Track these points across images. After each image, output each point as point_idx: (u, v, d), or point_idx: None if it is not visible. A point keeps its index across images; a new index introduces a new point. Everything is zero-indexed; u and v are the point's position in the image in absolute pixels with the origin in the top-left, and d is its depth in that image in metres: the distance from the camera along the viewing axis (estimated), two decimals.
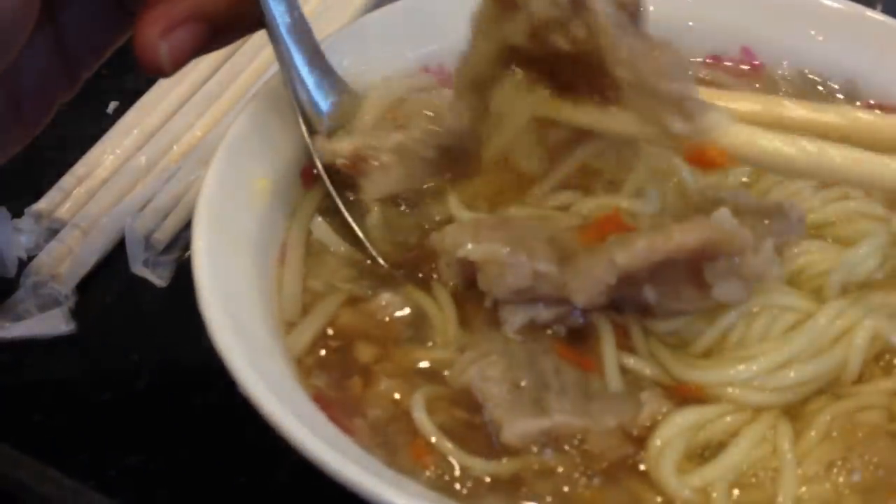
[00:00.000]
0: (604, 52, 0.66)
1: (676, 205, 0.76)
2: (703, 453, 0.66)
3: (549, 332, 0.69)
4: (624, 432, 0.65)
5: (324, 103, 0.77)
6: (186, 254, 0.89)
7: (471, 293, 0.70)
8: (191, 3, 0.67)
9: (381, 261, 0.74)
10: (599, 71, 0.67)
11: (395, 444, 0.64)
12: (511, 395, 0.65)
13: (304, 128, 0.76)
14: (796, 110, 0.70)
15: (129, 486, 0.76)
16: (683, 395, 0.67)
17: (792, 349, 0.68)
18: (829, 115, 0.69)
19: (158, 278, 0.89)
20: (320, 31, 0.78)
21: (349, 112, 0.80)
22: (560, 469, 0.64)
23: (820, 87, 0.89)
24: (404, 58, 0.86)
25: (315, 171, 0.77)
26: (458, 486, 0.63)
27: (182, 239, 0.92)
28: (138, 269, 0.90)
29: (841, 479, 0.64)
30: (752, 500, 0.64)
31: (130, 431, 0.79)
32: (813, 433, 0.66)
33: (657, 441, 0.65)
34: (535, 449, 0.64)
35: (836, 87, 0.89)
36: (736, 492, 0.63)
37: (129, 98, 1.04)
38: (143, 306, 0.89)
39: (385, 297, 0.72)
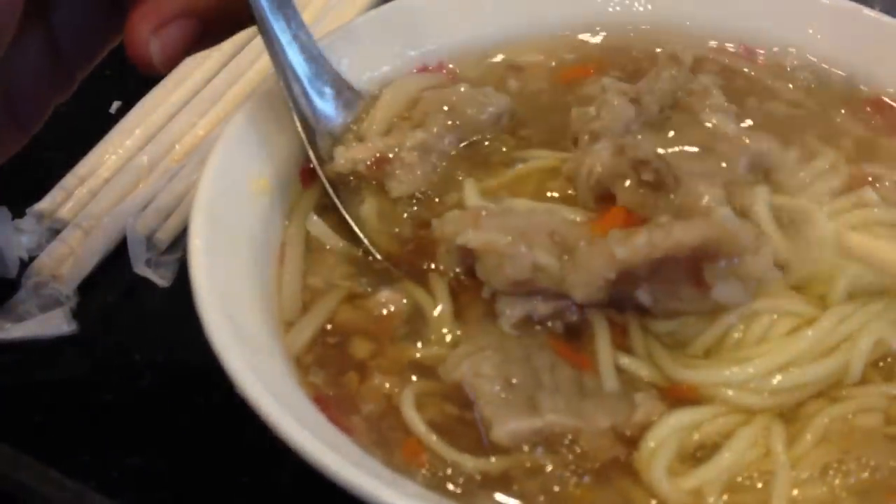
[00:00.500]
0: None
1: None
2: (697, 455, 0.65)
3: (547, 326, 0.69)
4: (616, 433, 0.65)
5: (321, 101, 0.77)
6: None
7: (469, 283, 0.70)
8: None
9: (377, 255, 0.74)
10: None
11: (390, 441, 0.64)
12: (503, 393, 0.65)
13: (298, 125, 0.75)
14: None
15: (130, 486, 0.76)
16: (678, 397, 0.67)
17: (791, 352, 0.68)
18: None
19: (160, 278, 0.89)
20: (325, 32, 0.78)
21: (356, 112, 0.80)
22: (551, 468, 0.63)
23: (818, 85, 0.89)
24: (403, 57, 0.86)
25: (311, 166, 0.77)
26: (451, 485, 0.63)
27: (184, 239, 0.90)
28: (140, 269, 0.89)
29: (837, 482, 0.64)
30: (745, 502, 0.63)
31: (132, 432, 0.79)
32: (808, 436, 0.65)
33: (650, 442, 0.64)
34: (525, 448, 0.64)
35: (835, 83, 0.89)
36: (727, 496, 0.63)
37: (131, 98, 1.04)
38: (145, 306, 0.89)
39: (384, 294, 0.71)
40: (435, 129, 0.79)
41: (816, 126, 0.85)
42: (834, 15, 0.89)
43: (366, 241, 0.75)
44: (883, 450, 0.65)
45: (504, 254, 0.67)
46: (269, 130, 0.76)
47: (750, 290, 0.67)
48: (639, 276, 0.66)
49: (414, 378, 0.67)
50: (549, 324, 0.69)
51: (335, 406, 0.65)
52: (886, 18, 0.88)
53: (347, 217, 0.75)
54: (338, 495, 0.56)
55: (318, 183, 0.77)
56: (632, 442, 0.65)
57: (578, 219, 0.73)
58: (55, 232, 0.92)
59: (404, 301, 0.71)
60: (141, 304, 0.89)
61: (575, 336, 0.69)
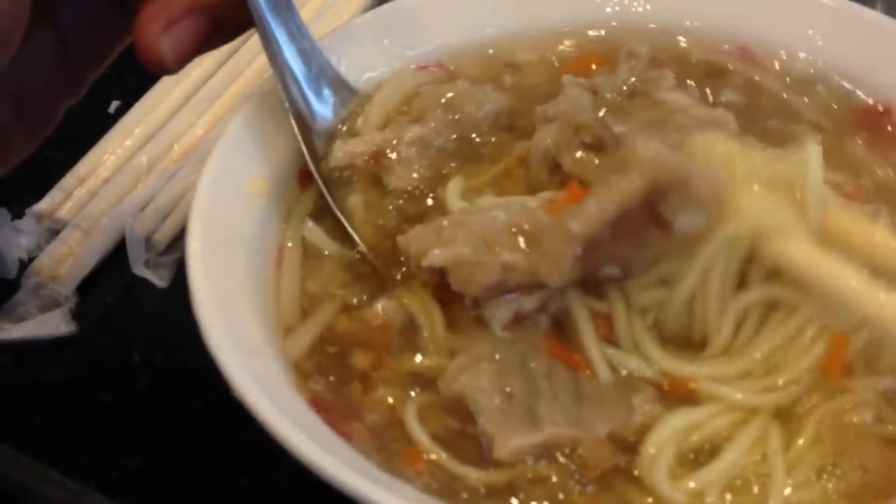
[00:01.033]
0: None
1: None
2: (696, 457, 0.65)
3: (537, 320, 0.69)
4: (615, 440, 0.65)
5: (318, 101, 0.77)
6: None
7: (453, 293, 0.70)
8: None
9: (364, 247, 0.74)
10: None
11: (391, 450, 0.64)
12: (503, 406, 0.65)
13: (295, 126, 0.75)
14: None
15: (130, 487, 0.76)
16: (675, 396, 0.67)
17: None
18: None
19: (159, 279, 0.89)
20: (323, 32, 0.78)
21: (353, 109, 0.80)
22: (554, 478, 0.63)
23: (819, 87, 0.88)
24: (403, 57, 0.85)
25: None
26: (452, 494, 0.63)
27: (182, 239, 0.91)
28: (139, 270, 0.90)
29: (830, 486, 0.64)
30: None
31: (132, 432, 0.79)
32: (801, 441, 0.65)
33: (650, 448, 0.64)
34: (529, 460, 0.64)
35: (834, 86, 0.88)
36: (728, 497, 0.63)
37: (130, 98, 1.04)
38: (144, 307, 0.89)
39: (380, 304, 0.71)
40: (433, 125, 0.79)
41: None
42: (835, 16, 0.88)
43: (357, 237, 0.74)
44: (873, 451, 0.65)
45: (471, 263, 0.67)
46: (268, 132, 0.76)
47: (710, 210, 0.65)
48: (604, 239, 0.65)
49: (416, 390, 0.67)
50: (538, 318, 0.68)
51: (335, 412, 0.65)
52: (888, 20, 0.87)
53: (340, 216, 0.75)
54: (336, 497, 0.56)
55: (315, 185, 0.77)
56: (632, 448, 0.65)
57: (534, 204, 0.72)
58: (54, 232, 0.92)
59: (400, 312, 0.70)
60: (140, 305, 0.89)
61: (563, 331, 0.69)
